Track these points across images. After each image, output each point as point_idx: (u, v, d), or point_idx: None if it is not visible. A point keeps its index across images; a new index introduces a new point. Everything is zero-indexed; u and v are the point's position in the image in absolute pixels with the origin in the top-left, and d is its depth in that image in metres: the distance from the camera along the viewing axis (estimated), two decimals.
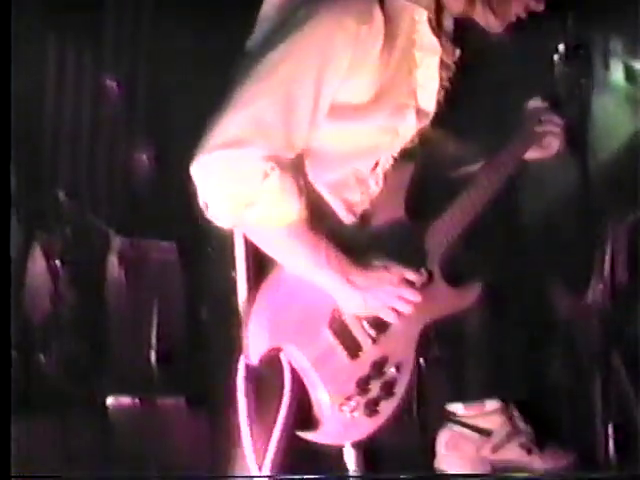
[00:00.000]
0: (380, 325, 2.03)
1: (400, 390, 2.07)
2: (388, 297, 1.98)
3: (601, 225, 2.54)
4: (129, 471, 3.09)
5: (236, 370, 1.97)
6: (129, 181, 3.95)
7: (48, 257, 3.44)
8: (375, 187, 2.09)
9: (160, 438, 3.28)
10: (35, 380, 3.25)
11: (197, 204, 1.94)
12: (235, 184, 1.87)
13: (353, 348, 2.01)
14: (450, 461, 2.28)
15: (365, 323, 2.02)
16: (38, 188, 3.33)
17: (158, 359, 3.48)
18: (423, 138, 2.14)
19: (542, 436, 2.30)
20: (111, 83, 3.76)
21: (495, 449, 2.28)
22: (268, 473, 1.91)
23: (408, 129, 2.07)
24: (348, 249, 1.99)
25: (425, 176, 2.15)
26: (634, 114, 2.81)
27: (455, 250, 2.15)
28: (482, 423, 2.29)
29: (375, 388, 2.04)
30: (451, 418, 2.31)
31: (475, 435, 2.29)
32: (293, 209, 1.90)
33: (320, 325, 1.99)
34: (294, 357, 1.96)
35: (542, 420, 2.33)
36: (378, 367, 2.04)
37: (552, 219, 2.64)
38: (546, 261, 2.46)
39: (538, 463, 2.29)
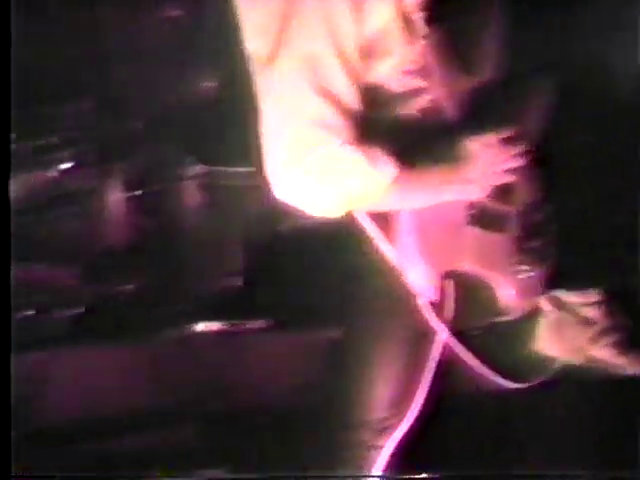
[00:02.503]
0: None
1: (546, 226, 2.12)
2: (500, 164, 1.99)
3: None
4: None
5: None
6: (198, 110, 3.92)
7: (127, 187, 3.43)
8: None
9: (249, 362, 3.29)
10: (121, 309, 3.25)
11: None
12: (332, 182, 1.88)
13: (499, 224, 2.05)
14: (548, 345, 2.31)
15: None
16: (114, 119, 3.31)
17: (245, 283, 3.47)
18: None
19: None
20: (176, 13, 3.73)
21: (592, 340, 2.29)
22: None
23: None
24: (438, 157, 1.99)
25: None
26: None
27: None
28: (584, 312, 2.31)
29: (532, 239, 2.05)
30: (554, 303, 2.33)
31: (575, 322, 2.31)
32: (387, 172, 1.92)
33: (462, 229, 2.02)
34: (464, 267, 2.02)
35: None
36: (525, 225, 2.07)
37: None
38: None
39: (630, 368, 2.30)
